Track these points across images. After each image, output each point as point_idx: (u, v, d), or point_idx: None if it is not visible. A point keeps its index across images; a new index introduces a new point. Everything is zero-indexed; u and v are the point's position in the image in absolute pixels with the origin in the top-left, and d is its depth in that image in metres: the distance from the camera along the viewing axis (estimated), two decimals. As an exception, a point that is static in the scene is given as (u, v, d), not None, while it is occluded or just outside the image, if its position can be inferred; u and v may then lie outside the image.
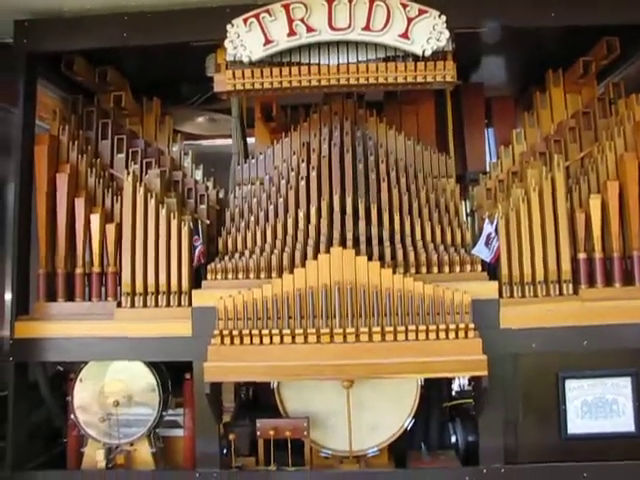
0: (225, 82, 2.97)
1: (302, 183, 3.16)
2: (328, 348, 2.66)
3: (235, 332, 2.69)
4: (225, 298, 2.74)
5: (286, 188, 3.18)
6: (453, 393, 3.42)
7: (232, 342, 2.70)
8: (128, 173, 3.02)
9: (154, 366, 2.96)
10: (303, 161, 3.24)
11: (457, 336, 2.64)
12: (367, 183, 3.17)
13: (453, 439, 3.14)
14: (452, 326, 2.64)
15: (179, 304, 2.91)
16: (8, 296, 3.45)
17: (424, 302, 2.68)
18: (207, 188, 3.36)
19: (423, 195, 3.15)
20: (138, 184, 2.98)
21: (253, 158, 3.47)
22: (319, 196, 3.13)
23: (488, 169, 3.54)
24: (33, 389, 3.07)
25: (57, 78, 3.41)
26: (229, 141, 3.87)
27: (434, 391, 3.19)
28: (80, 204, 3.07)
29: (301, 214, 3.06)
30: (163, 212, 2.96)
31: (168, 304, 2.92)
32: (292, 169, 3.25)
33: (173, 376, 3.06)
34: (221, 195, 3.44)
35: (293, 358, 2.66)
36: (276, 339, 2.68)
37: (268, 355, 2.67)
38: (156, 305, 2.92)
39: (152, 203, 2.97)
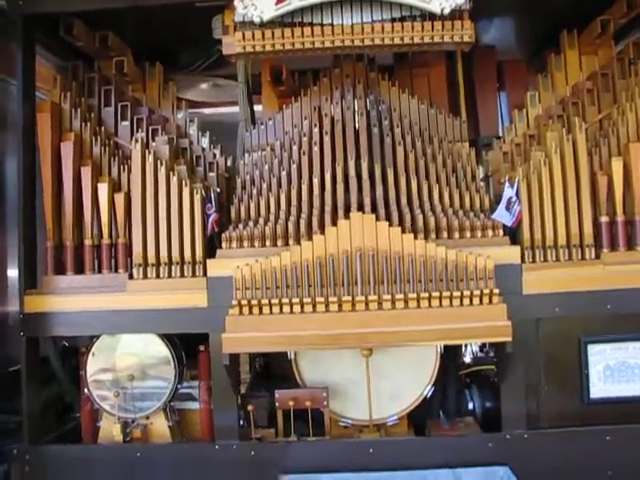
0: (234, 44, 2.85)
1: (315, 148, 3.07)
2: (350, 316, 2.60)
3: (254, 302, 2.62)
4: (242, 267, 2.66)
5: (299, 153, 3.09)
6: (467, 360, 3.40)
7: (251, 312, 2.63)
8: (135, 140, 2.91)
9: (167, 338, 2.89)
10: (315, 126, 3.15)
11: (481, 302, 2.59)
12: (382, 147, 3.09)
13: (470, 406, 3.12)
14: (476, 292, 2.58)
15: (193, 274, 2.83)
16: (11, 271, 3.38)
17: (447, 268, 2.62)
18: (215, 156, 3.27)
19: (440, 159, 3.08)
20: (147, 151, 2.88)
21: (262, 124, 3.37)
22: (333, 161, 3.04)
23: (501, 133, 3.47)
24: (43, 364, 3.00)
25: (54, 44, 3.26)
26: (232, 109, 3.77)
27: (450, 358, 3.15)
28: (86, 173, 2.95)
29: (315, 180, 2.98)
30: (174, 180, 2.86)
31: (182, 274, 2.83)
32: (304, 134, 3.15)
33: (185, 348, 2.99)
34: (229, 163, 3.34)
35: (314, 327, 2.60)
36: (296, 308, 2.61)
37: (288, 325, 2.61)
38: (169, 276, 2.83)
39: (162, 171, 2.87)
